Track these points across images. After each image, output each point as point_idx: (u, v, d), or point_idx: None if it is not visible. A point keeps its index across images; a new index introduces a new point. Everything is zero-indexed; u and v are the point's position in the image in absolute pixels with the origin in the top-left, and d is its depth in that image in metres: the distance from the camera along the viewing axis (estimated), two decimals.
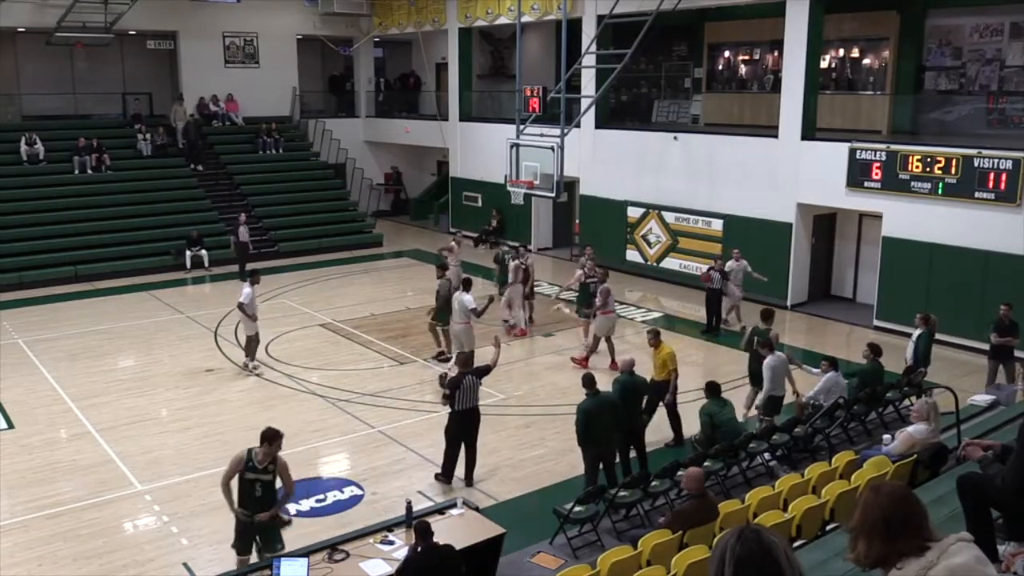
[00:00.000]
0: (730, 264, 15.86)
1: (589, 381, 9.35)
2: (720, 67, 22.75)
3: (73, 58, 25.46)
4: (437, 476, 9.95)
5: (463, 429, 9.77)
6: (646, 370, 10.80)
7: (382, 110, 29.54)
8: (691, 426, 10.79)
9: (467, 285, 13.92)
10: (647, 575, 6.23)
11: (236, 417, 12.03)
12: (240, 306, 13.49)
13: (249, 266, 19.37)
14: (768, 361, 10.53)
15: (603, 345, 14.03)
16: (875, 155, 15.68)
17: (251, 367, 13.74)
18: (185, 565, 8.32)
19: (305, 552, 6.90)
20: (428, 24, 25.54)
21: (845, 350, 14.44)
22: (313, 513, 9.36)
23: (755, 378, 11.25)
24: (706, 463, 8.84)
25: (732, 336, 15.70)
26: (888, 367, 11.78)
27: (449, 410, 9.76)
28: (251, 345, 13.76)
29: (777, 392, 10.52)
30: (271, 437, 7.41)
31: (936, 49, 18.37)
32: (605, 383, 9.80)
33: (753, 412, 10.91)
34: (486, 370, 10.03)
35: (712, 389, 9.77)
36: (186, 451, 10.82)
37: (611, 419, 9.28)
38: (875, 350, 11.04)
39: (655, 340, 11.02)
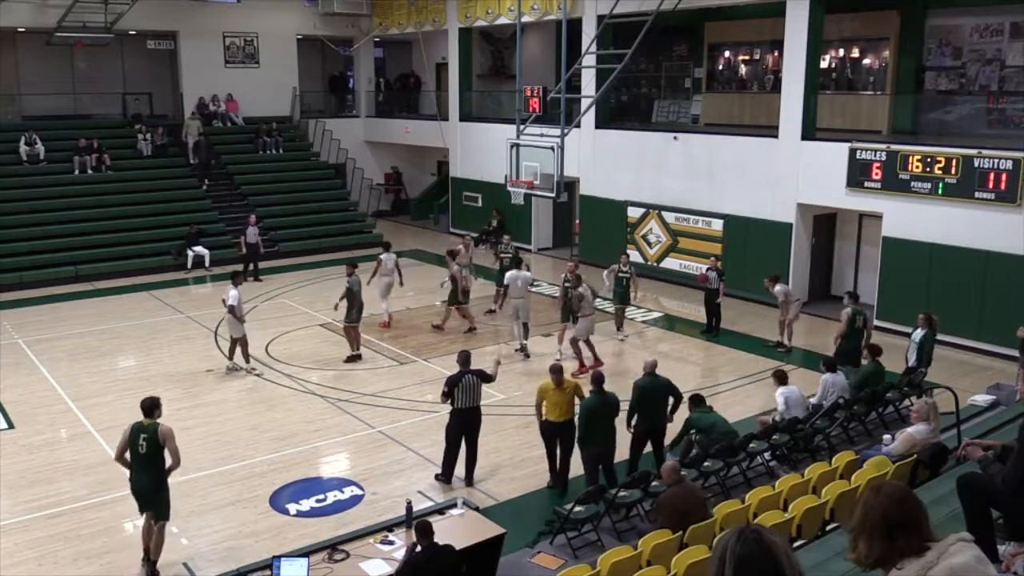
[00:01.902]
0: (779, 288, 14.85)
1: (597, 379, 9.34)
2: (720, 67, 22.74)
3: (73, 58, 25.47)
4: (437, 476, 9.96)
5: (464, 428, 9.76)
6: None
7: (382, 110, 29.54)
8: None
9: (518, 263, 15.32)
10: (647, 575, 6.23)
11: (236, 417, 12.05)
12: (231, 309, 13.43)
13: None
14: (781, 391, 10.30)
15: (569, 348, 13.94)
16: (875, 155, 15.68)
17: (249, 368, 13.74)
18: (185, 565, 8.32)
19: (305, 552, 6.91)
20: (428, 24, 25.54)
21: None
22: (313, 513, 9.37)
23: (850, 359, 11.30)
24: (706, 463, 8.85)
25: (732, 337, 15.73)
26: (889, 367, 11.78)
27: (450, 408, 9.76)
28: (242, 347, 13.73)
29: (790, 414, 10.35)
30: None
31: (936, 49, 18.37)
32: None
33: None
34: (487, 378, 10.00)
35: (696, 401, 9.71)
36: (186, 451, 10.66)
37: (612, 420, 9.27)
38: (874, 351, 11.02)
39: (559, 378, 9.48)
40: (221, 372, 13.79)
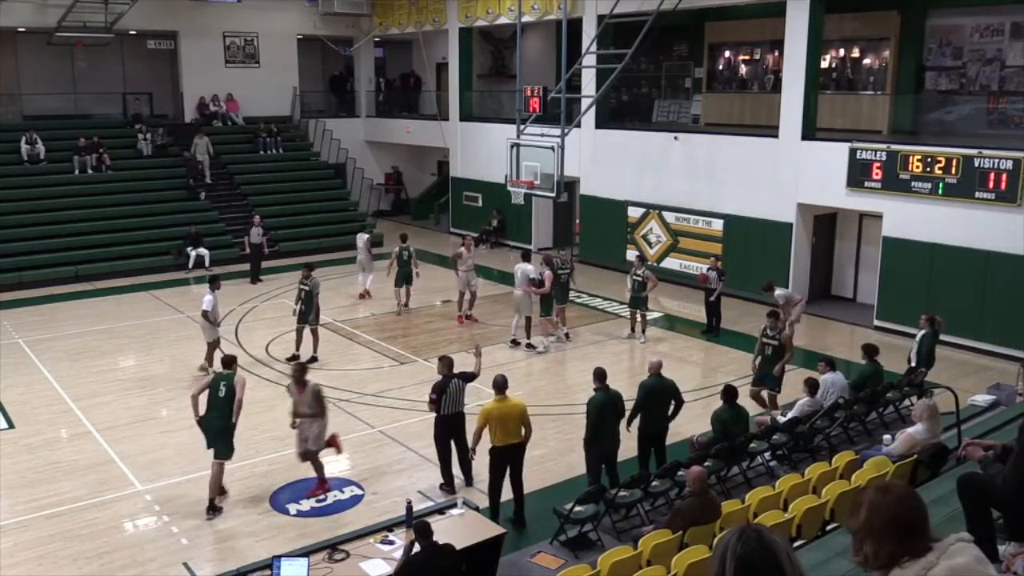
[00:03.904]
0: (779, 292, 14.78)
1: (600, 375, 9.22)
2: (720, 67, 22.75)
3: (73, 58, 25.48)
4: (442, 487, 9.75)
5: (449, 433, 9.62)
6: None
7: (382, 110, 29.55)
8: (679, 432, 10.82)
9: (526, 257, 15.96)
10: (647, 575, 6.23)
11: None
12: (204, 314, 13.28)
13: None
14: (803, 401, 10.18)
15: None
16: (875, 155, 15.68)
17: (200, 369, 13.59)
18: (185, 565, 8.32)
19: (305, 552, 6.90)
20: (428, 24, 25.54)
21: (846, 350, 14.46)
22: (313, 513, 9.37)
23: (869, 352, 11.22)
24: (707, 463, 8.84)
25: (732, 337, 15.73)
26: (891, 367, 11.77)
27: (435, 415, 9.60)
28: (209, 349, 13.55)
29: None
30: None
31: (936, 49, 18.38)
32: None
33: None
34: (471, 377, 9.92)
35: (728, 394, 9.54)
36: (186, 451, 10.78)
37: (619, 418, 9.24)
38: (870, 352, 10.98)
39: (501, 390, 8.95)
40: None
